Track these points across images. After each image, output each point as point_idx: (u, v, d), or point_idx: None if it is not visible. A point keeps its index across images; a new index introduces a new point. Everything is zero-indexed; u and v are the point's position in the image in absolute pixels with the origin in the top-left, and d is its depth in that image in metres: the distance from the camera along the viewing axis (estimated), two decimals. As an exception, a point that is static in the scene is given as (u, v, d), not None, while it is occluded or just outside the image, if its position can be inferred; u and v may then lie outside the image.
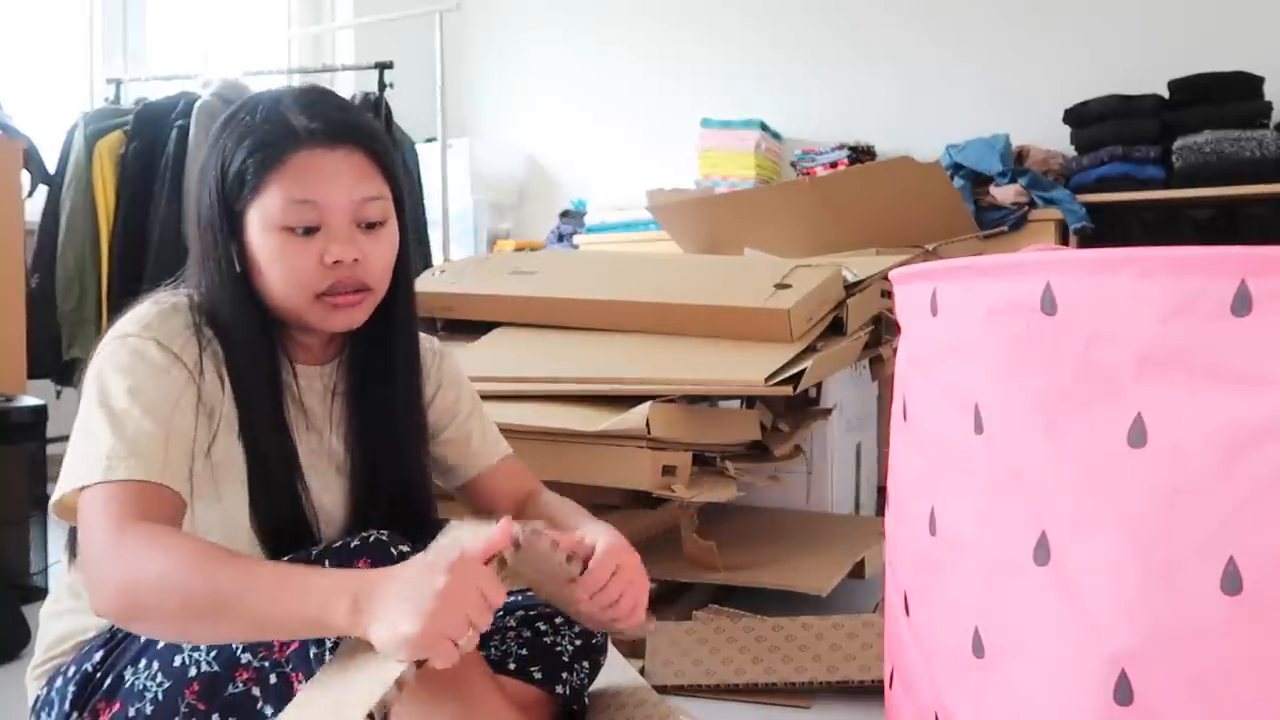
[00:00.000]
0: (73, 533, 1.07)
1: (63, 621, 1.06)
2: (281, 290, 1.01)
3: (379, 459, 1.12)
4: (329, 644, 0.92)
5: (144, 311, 1.00)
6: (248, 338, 1.02)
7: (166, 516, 0.91)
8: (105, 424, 0.92)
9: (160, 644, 0.95)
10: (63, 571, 1.10)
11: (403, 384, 1.14)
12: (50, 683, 1.02)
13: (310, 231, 0.99)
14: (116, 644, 1.00)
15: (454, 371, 1.26)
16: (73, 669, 1.00)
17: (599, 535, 1.03)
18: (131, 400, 0.93)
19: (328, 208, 0.99)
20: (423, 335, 1.24)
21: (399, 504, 1.13)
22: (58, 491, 0.93)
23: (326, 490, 1.10)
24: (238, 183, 0.99)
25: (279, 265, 0.99)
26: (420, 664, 0.80)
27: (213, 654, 0.93)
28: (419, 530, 1.10)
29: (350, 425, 1.12)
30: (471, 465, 1.26)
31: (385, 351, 1.12)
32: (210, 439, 1.00)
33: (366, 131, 1.03)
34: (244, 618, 0.83)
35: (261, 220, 0.99)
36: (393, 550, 0.96)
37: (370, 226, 1.02)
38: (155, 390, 0.95)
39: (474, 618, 0.81)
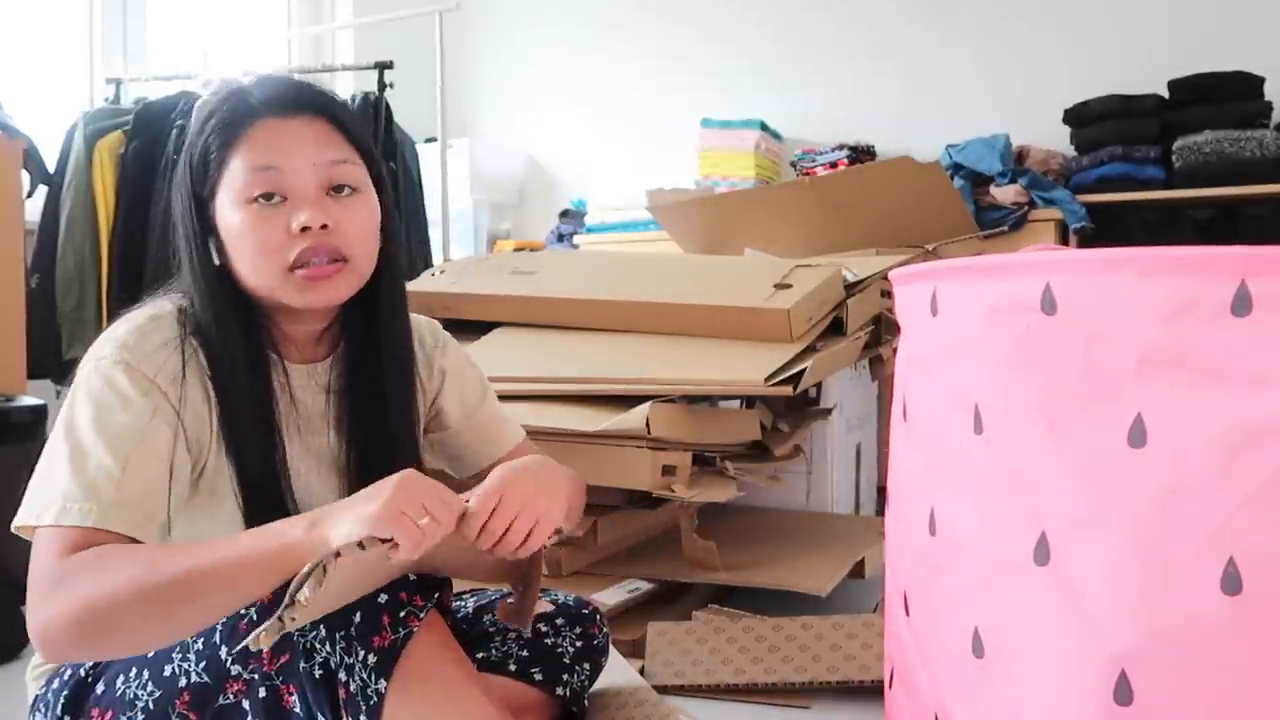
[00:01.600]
0: None
1: None
2: (252, 268, 0.98)
3: (373, 455, 1.09)
4: (318, 659, 0.91)
5: (122, 330, 0.97)
6: (230, 335, 0.99)
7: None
8: (66, 459, 0.90)
9: (152, 653, 0.95)
10: None
11: (391, 375, 1.10)
12: (48, 683, 1.02)
13: (278, 201, 0.97)
14: None
15: (458, 361, 1.24)
16: (69, 672, 1.00)
17: (491, 475, 0.97)
18: (96, 435, 0.91)
19: (292, 172, 0.97)
20: (426, 321, 1.22)
21: None
22: (18, 519, 0.90)
23: (330, 491, 1.08)
24: (203, 165, 0.98)
25: (248, 240, 0.97)
26: (386, 542, 0.81)
27: (203, 664, 0.92)
28: None
29: (345, 422, 1.10)
30: (487, 454, 1.25)
31: (373, 340, 1.09)
32: (204, 454, 0.99)
33: (325, 101, 1.02)
34: (211, 587, 0.83)
35: (229, 199, 0.98)
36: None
37: (341, 191, 1.00)
38: (121, 423, 0.92)
39: (429, 506, 0.83)
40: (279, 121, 0.98)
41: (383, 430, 1.10)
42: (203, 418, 0.99)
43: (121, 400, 0.93)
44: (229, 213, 0.98)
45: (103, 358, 0.95)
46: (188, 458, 0.97)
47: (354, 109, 1.08)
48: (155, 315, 0.99)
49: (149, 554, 0.85)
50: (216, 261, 1.00)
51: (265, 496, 1.00)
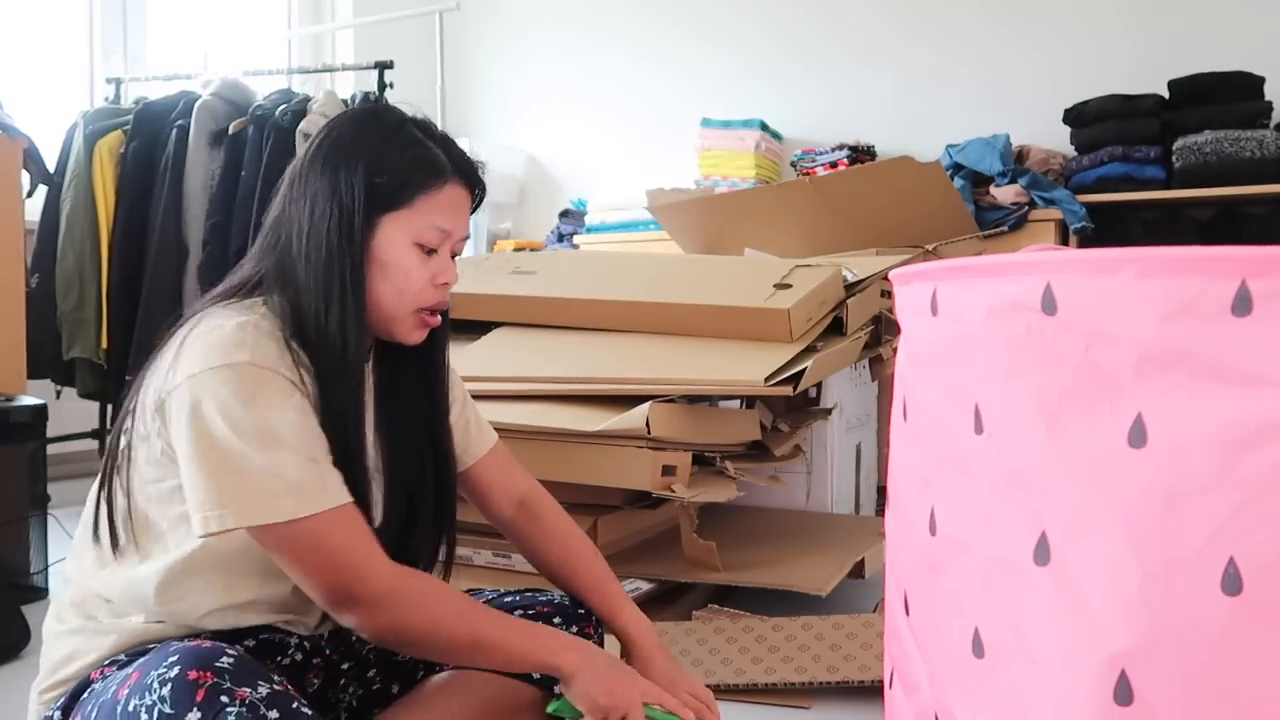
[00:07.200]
0: (81, 546, 1.07)
1: (67, 641, 1.05)
2: (394, 299, 1.08)
3: (412, 457, 1.16)
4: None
5: (238, 335, 0.99)
6: (351, 339, 1.04)
7: (367, 532, 1.01)
8: (278, 460, 0.95)
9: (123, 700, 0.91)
10: (64, 585, 1.09)
11: (442, 388, 1.20)
12: (58, 704, 1.02)
13: (430, 253, 1.09)
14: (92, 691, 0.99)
15: None
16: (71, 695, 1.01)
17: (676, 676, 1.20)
18: (283, 433, 0.97)
19: (451, 238, 1.11)
20: None
21: (427, 498, 1.18)
22: (222, 521, 0.94)
23: (372, 475, 1.12)
24: (392, 193, 1.06)
25: (401, 278, 1.07)
26: None
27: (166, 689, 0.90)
28: (441, 520, 1.19)
29: (385, 423, 1.15)
30: (467, 454, 1.28)
31: (429, 356, 1.18)
32: None
33: (481, 181, 1.16)
34: (497, 658, 1.04)
35: (401, 232, 1.06)
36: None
37: (453, 256, 1.13)
38: (292, 420, 0.98)
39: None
40: (461, 190, 1.11)
41: (423, 437, 1.18)
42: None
43: (278, 397, 0.98)
44: (392, 244, 1.07)
45: (238, 362, 0.97)
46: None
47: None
48: (256, 323, 1.01)
49: (464, 614, 1.03)
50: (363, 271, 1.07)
51: (355, 485, 1.04)
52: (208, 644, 0.92)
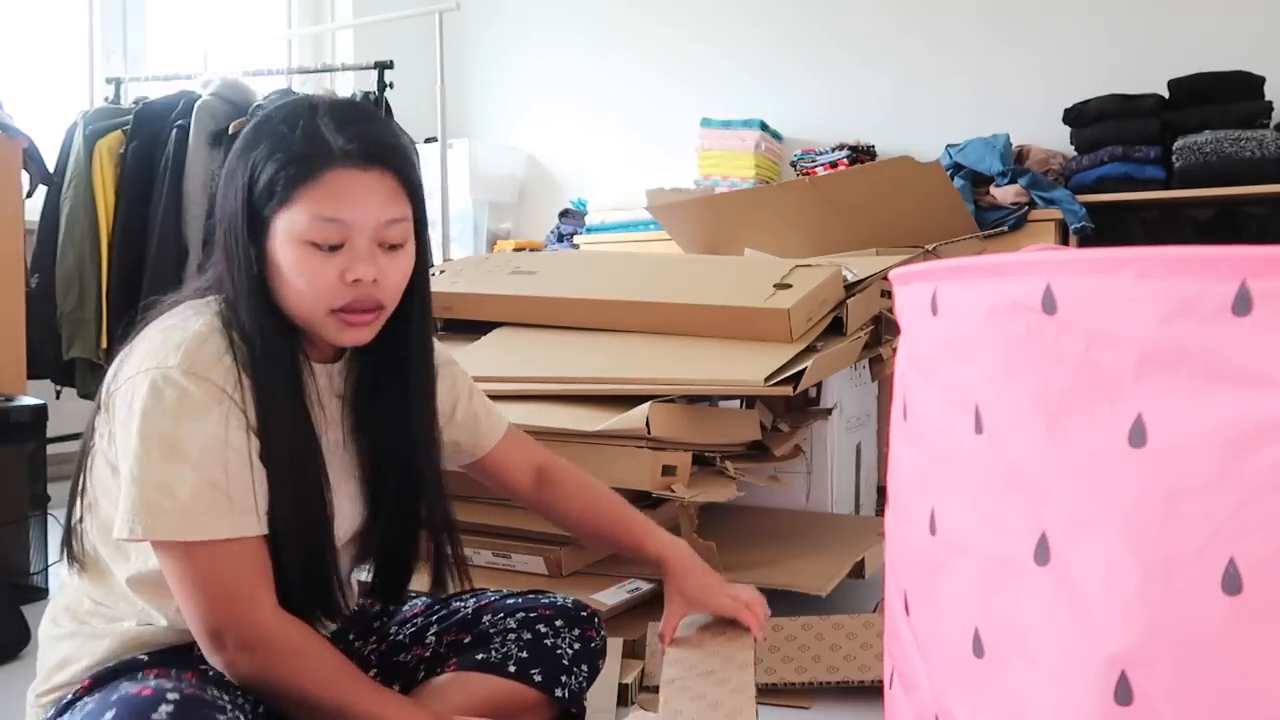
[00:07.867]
0: (70, 548, 1.06)
1: (62, 645, 1.05)
2: (298, 301, 1.02)
3: (390, 460, 1.14)
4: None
5: (178, 339, 0.99)
6: (267, 336, 1.02)
7: (260, 571, 0.98)
8: (173, 475, 0.94)
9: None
10: (60, 589, 1.09)
11: (418, 390, 1.15)
12: (52, 713, 1.02)
13: (334, 249, 1.00)
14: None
15: (442, 357, 1.27)
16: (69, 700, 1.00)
17: (713, 591, 1.25)
18: (190, 448, 0.95)
19: (354, 227, 1.00)
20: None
21: (408, 501, 1.16)
22: (124, 529, 0.94)
23: (342, 483, 1.11)
24: (267, 191, 1.00)
25: (299, 278, 1.00)
26: None
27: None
28: (431, 522, 1.17)
29: (361, 426, 1.13)
30: (482, 444, 1.30)
31: (401, 358, 1.13)
32: (258, 449, 1.01)
33: (399, 154, 1.04)
34: None
35: (286, 231, 0.99)
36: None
37: (391, 247, 1.03)
38: (207, 434, 0.96)
39: None
40: (353, 174, 1.00)
41: (399, 440, 1.14)
42: (253, 412, 1.02)
43: (200, 408, 0.96)
44: (283, 245, 1.00)
45: (171, 366, 0.96)
46: (255, 447, 1.01)
47: (415, 157, 1.08)
48: (207, 322, 1.01)
49: (334, 683, 0.98)
50: (257, 270, 1.02)
51: (303, 486, 1.03)
52: (149, 690, 0.90)
